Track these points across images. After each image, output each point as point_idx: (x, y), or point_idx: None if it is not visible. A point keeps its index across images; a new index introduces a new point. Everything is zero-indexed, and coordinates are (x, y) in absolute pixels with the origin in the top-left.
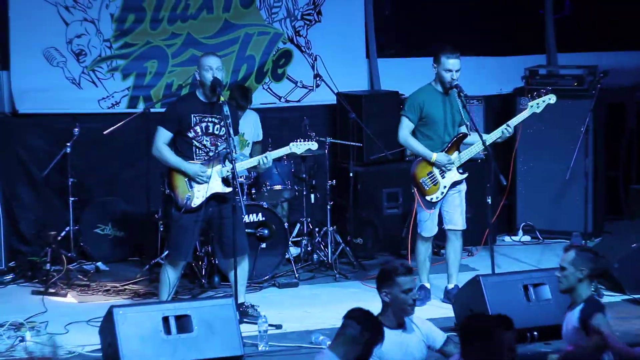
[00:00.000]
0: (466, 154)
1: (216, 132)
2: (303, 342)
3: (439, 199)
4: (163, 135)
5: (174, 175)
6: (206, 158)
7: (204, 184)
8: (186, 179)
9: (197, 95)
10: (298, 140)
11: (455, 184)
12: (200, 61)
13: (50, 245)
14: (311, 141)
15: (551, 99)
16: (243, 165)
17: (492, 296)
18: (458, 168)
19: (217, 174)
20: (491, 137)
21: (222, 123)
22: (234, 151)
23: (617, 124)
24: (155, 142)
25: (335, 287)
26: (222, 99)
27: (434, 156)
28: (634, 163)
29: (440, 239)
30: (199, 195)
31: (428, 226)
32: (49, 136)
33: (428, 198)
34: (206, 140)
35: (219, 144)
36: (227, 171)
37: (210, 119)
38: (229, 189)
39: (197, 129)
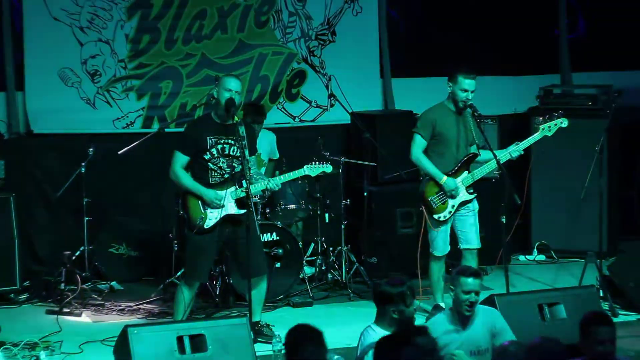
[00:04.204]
0: (479, 173)
1: (232, 154)
2: None
3: (446, 218)
4: (180, 160)
5: (188, 196)
6: (221, 180)
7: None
8: (200, 201)
9: (211, 117)
10: (312, 162)
11: (465, 203)
12: (221, 81)
13: (65, 265)
14: (326, 164)
15: (563, 122)
16: (253, 191)
17: (507, 315)
18: (468, 188)
19: (230, 195)
20: (502, 158)
21: (238, 144)
22: (249, 173)
23: (631, 143)
24: (173, 167)
25: (349, 306)
26: (236, 118)
27: (444, 179)
28: None
29: (455, 259)
30: (212, 216)
31: (439, 245)
32: (63, 156)
33: (436, 217)
34: (222, 162)
35: (235, 165)
36: (242, 191)
37: (226, 140)
38: (243, 211)
39: (214, 151)
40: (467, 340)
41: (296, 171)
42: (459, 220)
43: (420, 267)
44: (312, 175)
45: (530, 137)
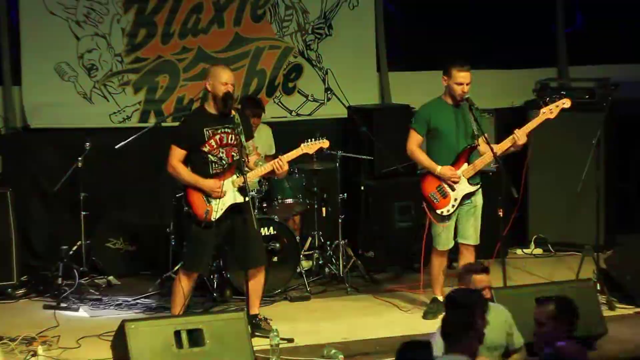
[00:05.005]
0: (479, 163)
1: (231, 142)
2: (315, 355)
3: (450, 212)
4: (177, 154)
5: (191, 191)
6: (222, 170)
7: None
8: (202, 194)
9: (206, 109)
10: (308, 140)
11: (468, 195)
12: (213, 73)
13: (62, 260)
14: (322, 139)
15: (565, 103)
16: (258, 173)
17: None
18: (469, 179)
19: (232, 184)
20: (503, 146)
21: (235, 132)
22: (246, 159)
23: (628, 136)
24: (170, 161)
25: (346, 300)
26: (233, 112)
27: (438, 169)
28: None
29: (453, 252)
30: (217, 208)
31: (443, 240)
32: (60, 151)
33: (439, 212)
34: (222, 152)
35: (234, 154)
36: (242, 182)
37: (223, 130)
38: (246, 198)
39: (212, 142)
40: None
41: (294, 151)
42: (460, 214)
43: (419, 260)
44: (310, 152)
45: (532, 121)
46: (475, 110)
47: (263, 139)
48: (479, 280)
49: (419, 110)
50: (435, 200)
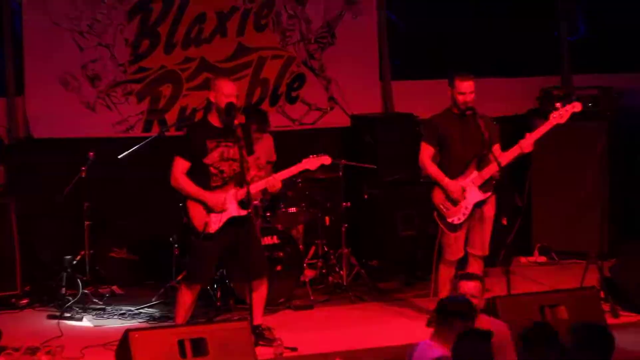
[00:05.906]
0: (486, 172)
1: (232, 156)
2: None
3: (461, 220)
4: (180, 165)
5: (191, 202)
6: (222, 183)
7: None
8: (202, 206)
9: (209, 121)
10: (310, 156)
11: (480, 204)
12: (216, 86)
13: (66, 270)
14: (323, 155)
15: (576, 107)
16: (252, 189)
17: (509, 318)
18: (480, 187)
19: (233, 197)
20: (509, 156)
21: (237, 146)
22: (248, 174)
23: (632, 144)
24: (173, 173)
25: (350, 309)
26: (236, 122)
27: (445, 181)
28: None
29: (459, 261)
30: (216, 220)
31: (453, 250)
32: (64, 161)
33: (450, 220)
34: (223, 166)
35: (235, 168)
36: (242, 195)
37: (225, 143)
38: (245, 213)
39: (215, 154)
40: None
41: (295, 166)
42: (471, 224)
43: (422, 269)
44: (312, 169)
45: (541, 127)
46: (482, 119)
47: (265, 148)
48: (462, 286)
49: (426, 122)
50: (445, 209)
